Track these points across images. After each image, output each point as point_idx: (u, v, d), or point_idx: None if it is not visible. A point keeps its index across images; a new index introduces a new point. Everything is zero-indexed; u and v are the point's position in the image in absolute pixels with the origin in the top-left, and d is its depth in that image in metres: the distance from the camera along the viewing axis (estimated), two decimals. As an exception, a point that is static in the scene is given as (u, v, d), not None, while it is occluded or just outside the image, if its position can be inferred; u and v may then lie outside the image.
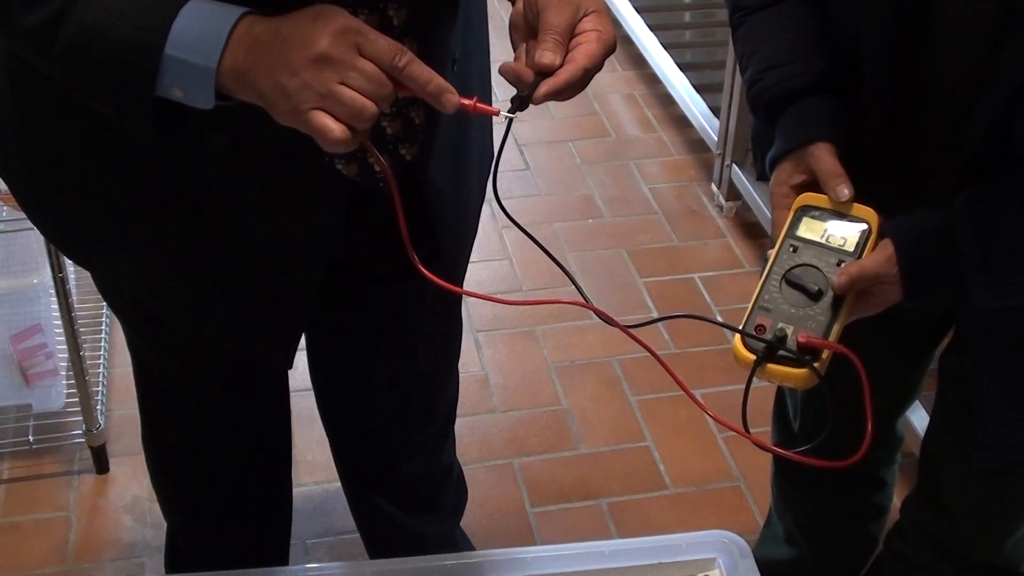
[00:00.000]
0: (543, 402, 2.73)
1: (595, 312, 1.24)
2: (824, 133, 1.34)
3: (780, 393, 1.90)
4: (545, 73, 1.18)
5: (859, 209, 1.30)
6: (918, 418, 2.28)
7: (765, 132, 1.43)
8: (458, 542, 2.06)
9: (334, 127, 1.08)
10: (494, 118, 1.22)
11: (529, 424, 2.67)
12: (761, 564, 1.50)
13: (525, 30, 1.23)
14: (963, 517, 1.69)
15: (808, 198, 1.33)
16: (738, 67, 1.46)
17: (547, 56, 1.18)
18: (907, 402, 1.82)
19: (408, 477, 1.89)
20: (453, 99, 1.12)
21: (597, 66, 1.20)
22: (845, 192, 1.30)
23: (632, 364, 2.80)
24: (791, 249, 1.29)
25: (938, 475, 1.70)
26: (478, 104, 1.16)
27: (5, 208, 2.30)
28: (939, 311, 1.59)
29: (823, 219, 1.30)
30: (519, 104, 1.19)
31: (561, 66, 1.18)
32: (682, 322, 2.92)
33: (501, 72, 1.21)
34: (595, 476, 2.54)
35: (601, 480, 2.53)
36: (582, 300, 1.30)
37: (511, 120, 1.22)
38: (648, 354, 1.26)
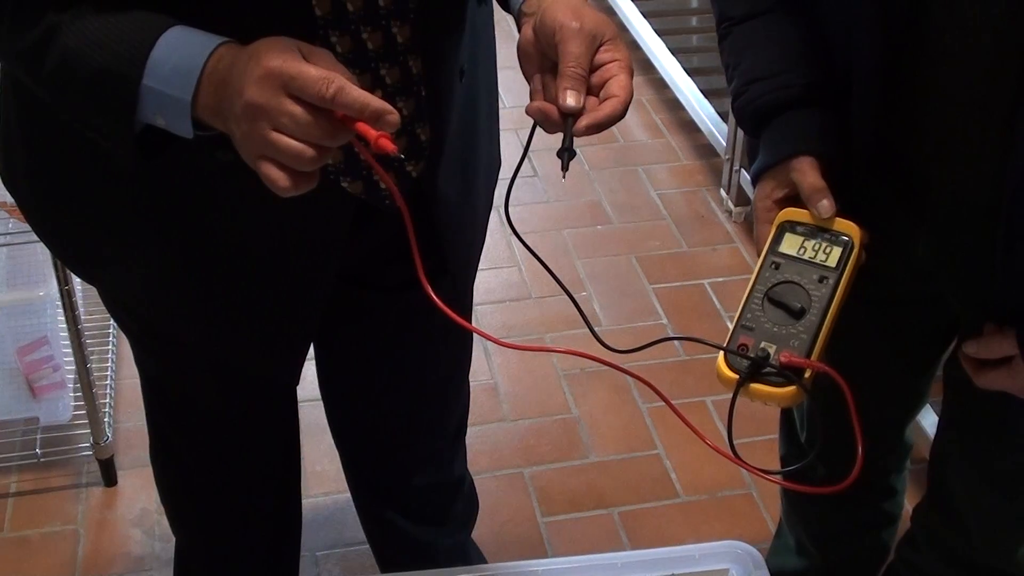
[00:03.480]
0: (553, 410, 2.72)
1: (595, 359, 1.24)
2: (807, 147, 1.33)
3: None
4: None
5: (841, 224, 1.29)
6: (929, 423, 2.26)
7: (755, 144, 1.42)
8: (469, 554, 2.05)
9: (277, 176, 1.05)
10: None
11: (539, 433, 2.66)
12: (773, 574, 1.48)
13: (538, 59, 1.21)
14: (974, 524, 1.68)
15: (790, 213, 1.32)
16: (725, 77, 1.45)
17: (571, 97, 1.17)
18: (915, 410, 1.81)
19: (419, 489, 1.88)
20: (394, 118, 1.07)
21: (632, 96, 1.19)
22: (827, 207, 1.29)
23: (642, 372, 2.78)
24: (773, 266, 1.28)
25: (948, 482, 1.69)
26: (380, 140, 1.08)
27: (12, 221, 2.30)
28: (943, 320, 1.57)
29: (805, 234, 1.29)
30: (569, 155, 1.19)
31: (585, 105, 1.17)
32: (691, 330, 2.91)
33: (528, 113, 1.20)
34: (606, 485, 2.53)
35: (612, 489, 2.52)
36: (585, 336, 1.28)
37: (524, 154, 1.23)
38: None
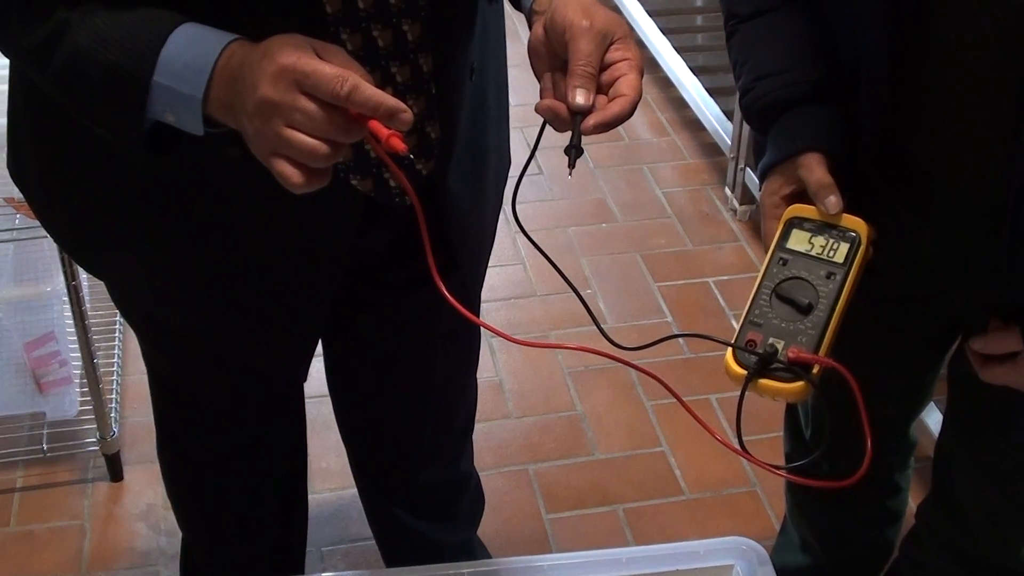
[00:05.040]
0: (558, 407, 2.72)
1: (605, 355, 1.25)
2: (814, 144, 1.33)
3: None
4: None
5: (848, 220, 1.29)
6: (933, 421, 2.26)
7: (761, 141, 1.42)
8: (475, 552, 2.06)
9: (290, 173, 1.05)
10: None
11: (544, 430, 2.66)
12: (777, 571, 1.49)
13: (548, 57, 1.21)
14: (978, 522, 1.68)
15: (798, 209, 1.32)
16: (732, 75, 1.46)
17: (581, 95, 1.17)
18: (919, 407, 1.82)
19: (425, 486, 1.88)
20: (407, 116, 1.07)
21: (641, 95, 1.20)
22: (834, 203, 1.29)
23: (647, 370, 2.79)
24: (780, 262, 1.28)
25: (952, 480, 1.69)
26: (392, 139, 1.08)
27: (19, 216, 2.30)
28: (948, 317, 1.58)
29: (813, 231, 1.29)
30: (576, 153, 1.19)
31: (594, 103, 1.17)
32: (696, 328, 2.91)
33: (538, 111, 1.19)
34: (611, 482, 2.53)
35: (617, 486, 2.53)
36: (590, 334, 1.29)
37: (533, 152, 1.23)
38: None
